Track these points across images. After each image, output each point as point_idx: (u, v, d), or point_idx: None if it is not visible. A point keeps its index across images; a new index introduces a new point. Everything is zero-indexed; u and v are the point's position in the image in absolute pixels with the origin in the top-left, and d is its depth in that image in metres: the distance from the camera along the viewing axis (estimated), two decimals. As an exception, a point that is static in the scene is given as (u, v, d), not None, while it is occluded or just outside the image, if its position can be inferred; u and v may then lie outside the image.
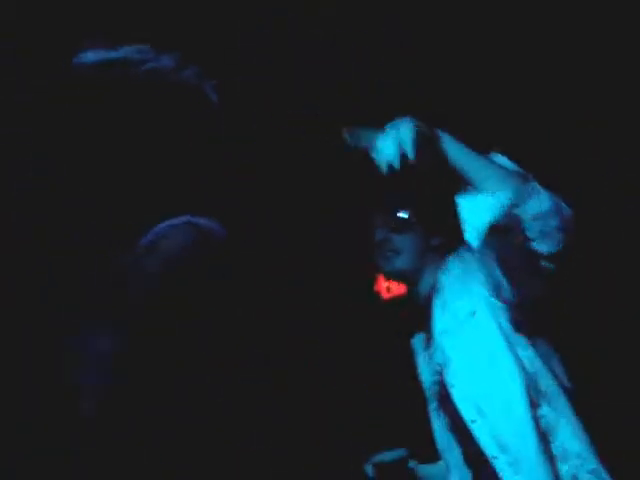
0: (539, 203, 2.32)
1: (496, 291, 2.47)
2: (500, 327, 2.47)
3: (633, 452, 2.51)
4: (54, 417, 1.07)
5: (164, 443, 1.08)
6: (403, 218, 2.76)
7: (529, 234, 2.33)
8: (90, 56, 1.31)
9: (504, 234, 2.37)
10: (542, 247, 2.37)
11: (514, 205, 2.30)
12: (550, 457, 2.34)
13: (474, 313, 2.52)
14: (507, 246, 2.39)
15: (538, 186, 2.35)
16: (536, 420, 2.37)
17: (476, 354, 2.48)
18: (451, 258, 2.73)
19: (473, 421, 2.42)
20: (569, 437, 2.37)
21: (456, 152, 2.44)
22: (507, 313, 2.49)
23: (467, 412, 2.45)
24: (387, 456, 2.81)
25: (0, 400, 1.07)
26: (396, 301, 2.91)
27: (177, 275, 1.20)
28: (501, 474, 2.34)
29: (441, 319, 2.59)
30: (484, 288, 2.52)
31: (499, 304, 2.48)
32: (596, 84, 3.54)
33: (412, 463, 2.82)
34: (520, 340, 2.47)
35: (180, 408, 1.10)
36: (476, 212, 2.37)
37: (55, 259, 1.25)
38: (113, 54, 1.35)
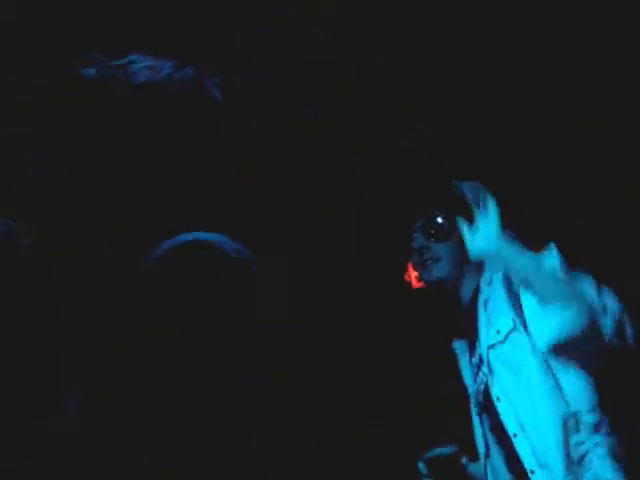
0: (597, 328, 2.33)
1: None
2: (535, 349, 2.48)
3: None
4: (53, 417, 1.06)
5: (164, 443, 1.08)
6: (442, 225, 2.74)
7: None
8: (91, 71, 1.31)
9: None
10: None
11: (573, 330, 2.32)
12: None
13: (515, 329, 2.52)
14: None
15: (597, 309, 2.35)
16: (568, 447, 2.38)
17: (518, 371, 2.50)
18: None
19: (515, 435, 2.45)
20: (602, 465, 2.37)
21: (518, 262, 2.42)
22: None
23: (510, 426, 2.47)
24: (439, 452, 2.80)
25: (0, 400, 1.07)
26: (426, 291, 2.89)
27: (178, 282, 1.20)
28: None
29: (487, 335, 2.59)
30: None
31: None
32: (596, 84, 3.54)
33: (464, 459, 2.81)
34: (559, 363, 2.47)
35: (180, 408, 1.10)
36: (543, 328, 2.39)
37: (55, 259, 1.24)
38: (114, 62, 1.35)
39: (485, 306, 2.63)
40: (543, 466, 2.38)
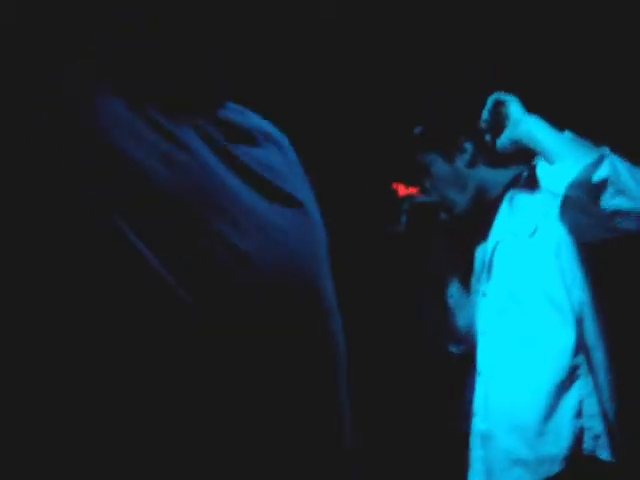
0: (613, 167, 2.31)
1: None
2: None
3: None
4: (53, 416, 1.06)
5: (164, 443, 1.07)
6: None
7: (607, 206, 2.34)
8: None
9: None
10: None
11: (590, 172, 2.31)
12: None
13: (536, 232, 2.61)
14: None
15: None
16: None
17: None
18: None
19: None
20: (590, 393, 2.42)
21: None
22: None
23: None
24: (426, 199, 2.75)
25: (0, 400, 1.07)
26: (412, 199, 2.79)
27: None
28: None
29: (502, 230, 2.72)
30: None
31: None
32: (595, 83, 3.55)
33: (444, 215, 2.75)
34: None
35: (182, 408, 1.10)
36: (555, 179, 2.39)
37: (54, 258, 1.24)
38: None
39: (511, 201, 2.63)
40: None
